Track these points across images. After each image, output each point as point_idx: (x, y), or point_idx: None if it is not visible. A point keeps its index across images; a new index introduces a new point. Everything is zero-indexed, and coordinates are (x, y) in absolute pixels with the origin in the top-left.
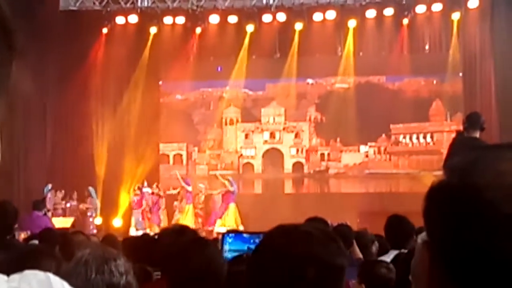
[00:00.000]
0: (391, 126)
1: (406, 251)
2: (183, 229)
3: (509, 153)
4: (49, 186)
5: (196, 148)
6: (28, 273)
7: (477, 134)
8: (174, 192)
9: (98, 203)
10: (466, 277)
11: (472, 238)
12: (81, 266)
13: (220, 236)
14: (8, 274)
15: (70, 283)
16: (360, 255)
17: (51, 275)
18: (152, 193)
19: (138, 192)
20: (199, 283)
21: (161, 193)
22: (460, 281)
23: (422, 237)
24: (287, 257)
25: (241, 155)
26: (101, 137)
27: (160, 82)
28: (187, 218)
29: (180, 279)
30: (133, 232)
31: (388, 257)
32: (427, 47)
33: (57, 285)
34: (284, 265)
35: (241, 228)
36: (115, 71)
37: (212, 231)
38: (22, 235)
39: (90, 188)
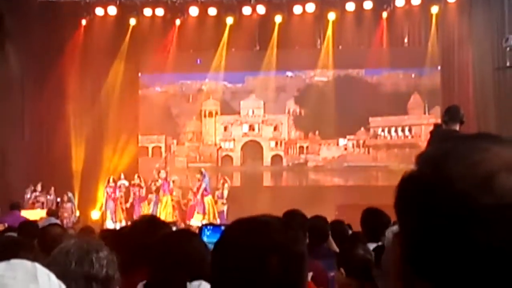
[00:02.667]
0: (370, 119)
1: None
2: (155, 220)
3: (482, 143)
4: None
5: (175, 141)
6: (15, 262)
7: (456, 127)
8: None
9: (75, 209)
10: (436, 269)
11: (443, 230)
12: (61, 256)
13: (197, 229)
14: None
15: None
16: (336, 248)
17: (38, 265)
18: (133, 185)
19: (112, 184)
20: (182, 273)
21: (142, 184)
22: (430, 275)
23: (393, 229)
24: (247, 248)
25: (220, 147)
26: (80, 130)
27: (140, 74)
28: (165, 210)
29: (163, 270)
30: (109, 224)
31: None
32: (406, 40)
33: (42, 275)
34: (245, 256)
35: (218, 221)
36: (93, 63)
37: (189, 224)
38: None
39: (70, 194)
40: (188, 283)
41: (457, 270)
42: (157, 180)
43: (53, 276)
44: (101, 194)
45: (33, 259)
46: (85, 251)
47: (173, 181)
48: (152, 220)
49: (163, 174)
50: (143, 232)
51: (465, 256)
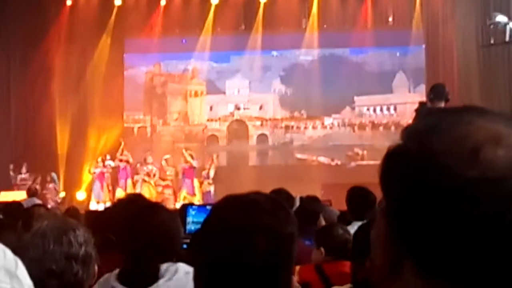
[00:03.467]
0: (355, 98)
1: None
2: (138, 198)
3: (467, 116)
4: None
5: (160, 121)
6: None
7: (441, 105)
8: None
9: (61, 189)
10: (421, 244)
11: (429, 204)
12: (38, 238)
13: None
14: None
15: (28, 255)
16: None
17: (6, 250)
18: (121, 160)
19: (100, 164)
20: (151, 251)
21: (130, 160)
22: (416, 250)
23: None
24: (234, 228)
25: (206, 127)
26: (64, 111)
27: (125, 54)
28: (151, 191)
29: (131, 246)
30: (93, 205)
31: (351, 229)
32: (390, 19)
33: (10, 261)
34: (232, 236)
35: (202, 202)
36: (78, 43)
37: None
38: None
39: (53, 174)
40: (161, 266)
41: (443, 244)
42: (145, 164)
43: (8, 252)
44: (86, 175)
45: (17, 240)
46: (62, 230)
47: (166, 160)
48: (134, 199)
49: (150, 159)
50: (124, 211)
51: (451, 230)
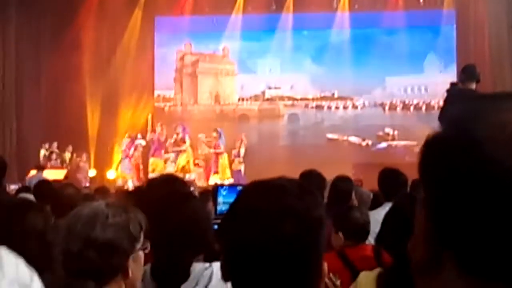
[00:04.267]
0: (386, 78)
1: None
2: (172, 179)
3: (507, 103)
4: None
5: (191, 100)
6: None
7: (473, 86)
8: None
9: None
10: (462, 238)
11: (470, 194)
12: (72, 218)
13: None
14: None
15: (54, 235)
16: None
17: (4, 253)
18: (153, 135)
19: (128, 139)
20: (180, 239)
21: (164, 134)
22: (455, 244)
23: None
24: (261, 213)
25: (237, 106)
26: (95, 90)
27: (155, 33)
28: (183, 168)
29: (162, 241)
30: (120, 182)
31: (383, 210)
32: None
33: (9, 264)
34: (259, 221)
35: (230, 180)
36: (109, 21)
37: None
38: (12, 187)
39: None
40: (195, 268)
41: (487, 238)
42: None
43: (22, 265)
44: (117, 154)
45: (43, 221)
46: (94, 214)
47: (200, 138)
48: (168, 180)
49: (179, 129)
50: (158, 192)
51: (495, 222)
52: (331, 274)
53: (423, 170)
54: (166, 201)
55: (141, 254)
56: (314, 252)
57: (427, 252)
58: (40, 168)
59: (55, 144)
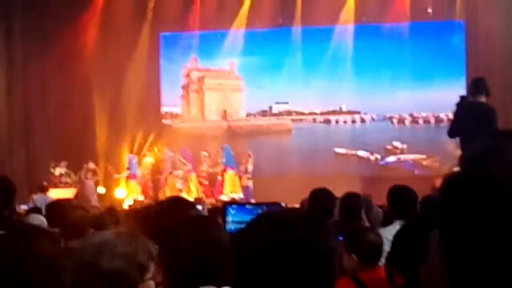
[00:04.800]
0: (394, 91)
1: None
2: (180, 202)
3: None
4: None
5: (199, 117)
6: None
7: (482, 99)
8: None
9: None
10: (488, 279)
11: (494, 235)
12: (81, 247)
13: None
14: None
15: (62, 263)
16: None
17: None
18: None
19: (134, 157)
20: (198, 273)
21: (185, 162)
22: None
23: (435, 235)
24: (272, 248)
25: (245, 122)
26: (102, 107)
27: (161, 49)
28: (191, 187)
29: (175, 266)
30: (129, 202)
31: (393, 228)
32: (429, 10)
33: None
34: (271, 254)
35: (240, 195)
36: (114, 39)
37: (218, 200)
38: (22, 207)
39: (90, 164)
40: None
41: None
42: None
43: None
44: (125, 172)
45: (52, 248)
46: (103, 243)
47: (203, 156)
48: (177, 202)
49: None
50: (166, 215)
51: None
52: None
53: (442, 212)
54: (186, 226)
55: (151, 283)
56: (326, 283)
57: None
58: (44, 189)
59: (63, 163)
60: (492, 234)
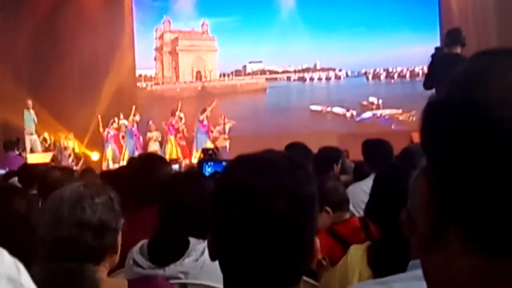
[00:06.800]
0: (368, 46)
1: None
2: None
3: None
4: None
5: (173, 78)
6: None
7: (458, 50)
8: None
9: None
10: (467, 209)
11: (477, 161)
12: (55, 203)
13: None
14: None
15: (41, 220)
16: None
17: (4, 253)
18: (133, 121)
19: (115, 125)
20: (185, 223)
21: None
22: (461, 216)
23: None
24: (252, 192)
25: (219, 82)
26: (76, 72)
27: (134, 12)
28: (171, 149)
29: (173, 210)
30: (107, 165)
31: (370, 180)
32: None
33: (11, 267)
34: (250, 199)
35: None
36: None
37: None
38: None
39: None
40: (191, 242)
41: (494, 209)
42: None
43: (7, 256)
44: (100, 136)
45: (27, 206)
46: (79, 196)
47: (181, 118)
48: (148, 158)
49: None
50: (138, 170)
51: (504, 191)
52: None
53: (424, 136)
54: (176, 180)
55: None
56: (307, 230)
57: (429, 225)
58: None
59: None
60: (475, 155)
